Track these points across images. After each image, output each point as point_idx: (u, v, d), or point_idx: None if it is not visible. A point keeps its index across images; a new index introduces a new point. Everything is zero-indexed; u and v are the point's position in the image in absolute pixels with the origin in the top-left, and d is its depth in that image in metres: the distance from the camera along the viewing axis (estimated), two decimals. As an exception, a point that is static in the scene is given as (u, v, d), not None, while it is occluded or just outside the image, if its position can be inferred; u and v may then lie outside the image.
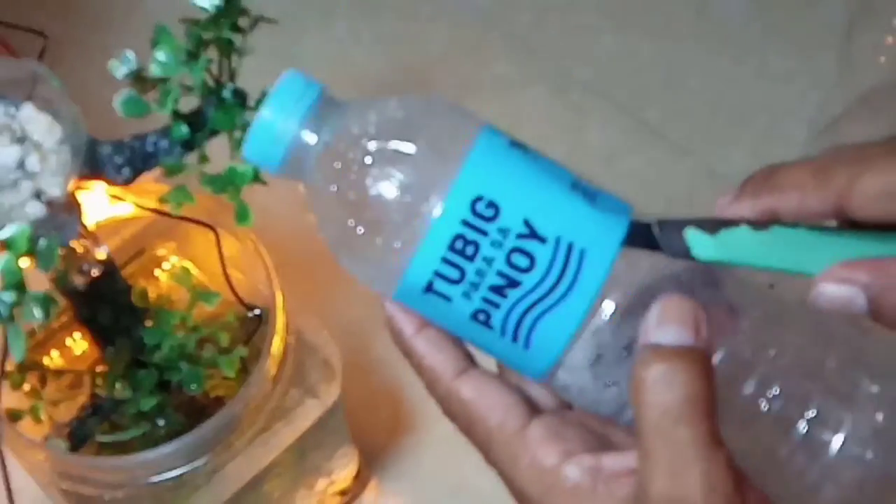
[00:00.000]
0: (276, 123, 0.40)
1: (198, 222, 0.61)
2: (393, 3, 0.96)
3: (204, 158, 0.52)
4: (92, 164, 0.52)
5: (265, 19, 0.51)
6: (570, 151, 0.88)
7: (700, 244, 0.38)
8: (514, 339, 0.39)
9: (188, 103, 0.52)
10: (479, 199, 0.38)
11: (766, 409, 0.38)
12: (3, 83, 0.51)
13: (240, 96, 0.52)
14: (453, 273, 0.38)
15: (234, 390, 0.59)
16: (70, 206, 0.52)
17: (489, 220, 0.38)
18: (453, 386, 0.41)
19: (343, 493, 0.73)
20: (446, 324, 0.40)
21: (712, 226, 0.38)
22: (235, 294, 0.63)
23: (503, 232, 0.38)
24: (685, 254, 0.38)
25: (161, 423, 0.60)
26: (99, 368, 0.60)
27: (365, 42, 0.94)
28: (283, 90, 0.40)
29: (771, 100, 0.90)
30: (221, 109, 0.52)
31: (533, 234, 0.38)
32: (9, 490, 0.59)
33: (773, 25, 0.93)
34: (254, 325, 0.63)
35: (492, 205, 0.38)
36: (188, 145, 0.53)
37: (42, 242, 0.48)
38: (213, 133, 0.52)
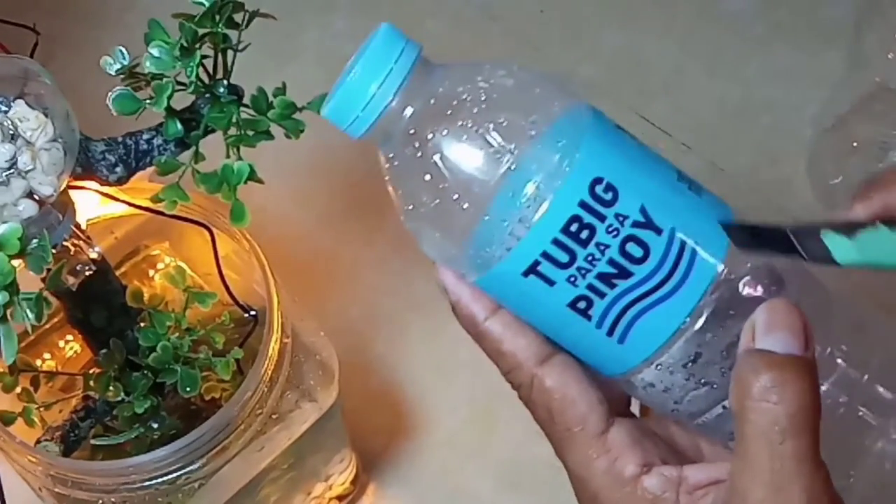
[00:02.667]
0: (368, 88, 0.37)
1: (193, 221, 0.61)
2: (393, -2, 0.95)
3: (199, 156, 0.52)
4: (85, 163, 0.52)
5: (262, 14, 0.51)
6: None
7: (841, 248, 0.36)
8: (610, 332, 0.37)
9: (183, 101, 0.51)
10: (598, 180, 0.36)
11: (853, 420, 0.37)
12: (-6, 80, 0.50)
13: (235, 93, 0.51)
14: (562, 256, 0.36)
15: (229, 393, 0.59)
16: (62, 206, 0.52)
17: (607, 204, 0.36)
18: (537, 373, 0.40)
19: (341, 497, 0.72)
20: (533, 312, 0.38)
21: (847, 229, 0.36)
22: (231, 295, 0.62)
23: (620, 218, 0.36)
24: (827, 258, 0.36)
25: (155, 425, 0.59)
26: (92, 371, 0.60)
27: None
28: (377, 49, 0.38)
29: (776, 97, 0.89)
30: (216, 106, 0.51)
31: (649, 224, 0.36)
32: (1, 494, 0.58)
33: (778, 22, 0.93)
34: (249, 327, 0.62)
35: (610, 188, 0.36)
36: (182, 143, 0.52)
37: (34, 242, 0.47)
38: (208, 131, 0.52)
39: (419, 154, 0.37)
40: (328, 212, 0.84)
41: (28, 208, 0.49)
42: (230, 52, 0.51)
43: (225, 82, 0.51)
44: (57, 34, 0.89)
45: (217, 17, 0.49)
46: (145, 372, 0.58)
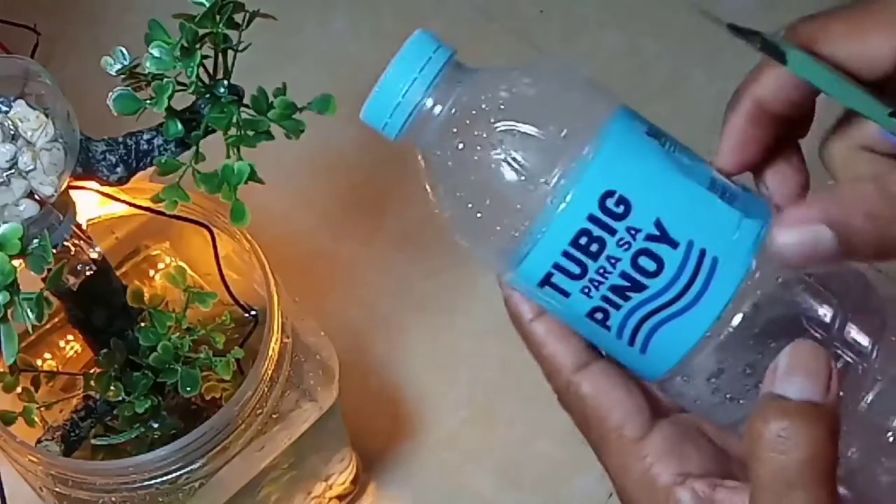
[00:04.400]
0: (400, 88, 0.38)
1: (193, 221, 0.61)
2: (393, -2, 0.95)
3: (199, 156, 0.52)
4: (85, 163, 0.52)
5: (262, 15, 0.51)
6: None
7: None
8: (631, 342, 0.37)
9: (183, 101, 0.51)
10: (609, 194, 0.36)
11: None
12: (-5, 80, 0.50)
13: (235, 93, 0.51)
14: (573, 268, 0.36)
15: (229, 393, 0.59)
16: (63, 206, 0.52)
17: (618, 217, 0.36)
18: (573, 379, 0.39)
19: (341, 497, 0.72)
20: (562, 317, 0.38)
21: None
22: (231, 295, 0.62)
23: (632, 232, 0.36)
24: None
25: (155, 425, 0.59)
26: (92, 370, 0.60)
27: (364, 37, 0.93)
28: (410, 52, 0.39)
29: (776, 97, 0.89)
30: (217, 107, 0.51)
31: (664, 237, 0.36)
32: (2, 494, 0.58)
33: (778, 22, 0.92)
34: (250, 327, 0.62)
35: (622, 201, 0.36)
36: (183, 143, 0.52)
37: (35, 242, 0.47)
38: (209, 131, 0.52)
39: (443, 156, 0.38)
40: (328, 212, 0.84)
41: (29, 208, 0.49)
42: (230, 53, 0.51)
43: (225, 82, 0.51)
44: (57, 34, 0.89)
45: (217, 18, 0.49)
46: (146, 372, 0.58)
